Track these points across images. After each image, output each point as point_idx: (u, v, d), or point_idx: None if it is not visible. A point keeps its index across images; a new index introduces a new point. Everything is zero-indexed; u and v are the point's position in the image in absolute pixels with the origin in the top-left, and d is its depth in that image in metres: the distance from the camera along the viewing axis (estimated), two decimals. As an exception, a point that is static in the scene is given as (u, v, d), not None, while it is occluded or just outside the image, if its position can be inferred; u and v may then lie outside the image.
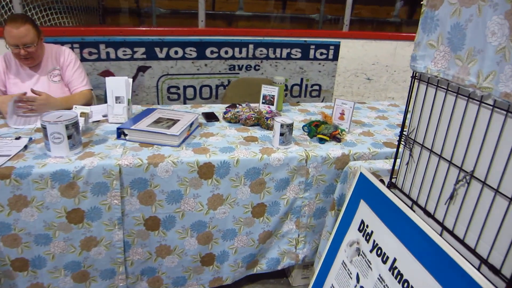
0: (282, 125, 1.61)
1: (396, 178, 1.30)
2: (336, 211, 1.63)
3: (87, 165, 1.42)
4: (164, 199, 1.54)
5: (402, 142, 1.22)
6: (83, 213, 1.47)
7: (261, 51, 3.07)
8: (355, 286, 1.31)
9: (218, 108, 2.15)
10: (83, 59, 2.64)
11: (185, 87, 3.02)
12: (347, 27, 3.26)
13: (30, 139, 1.60)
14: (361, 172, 1.44)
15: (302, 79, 3.26)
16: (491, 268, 0.92)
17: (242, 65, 3.09)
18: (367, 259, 1.28)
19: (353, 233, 1.40)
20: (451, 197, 1.03)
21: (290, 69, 3.20)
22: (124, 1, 4.38)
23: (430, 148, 1.11)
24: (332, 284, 1.44)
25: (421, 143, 1.15)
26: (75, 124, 1.46)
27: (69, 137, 1.45)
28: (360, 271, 1.30)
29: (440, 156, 1.07)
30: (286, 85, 3.24)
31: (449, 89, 1.02)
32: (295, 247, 1.77)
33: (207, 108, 2.16)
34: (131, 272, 1.64)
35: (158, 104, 3.00)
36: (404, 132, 1.22)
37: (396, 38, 3.38)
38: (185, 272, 1.69)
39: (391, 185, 1.31)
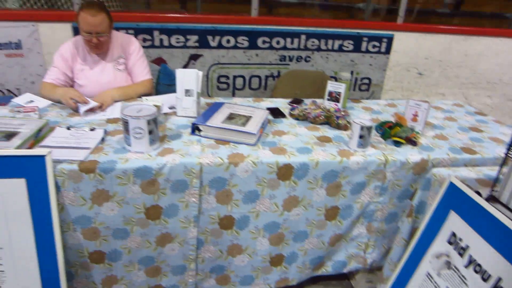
0: (362, 127, 1.55)
1: (497, 191, 1.24)
2: (414, 218, 1.58)
3: (169, 162, 1.40)
4: (240, 199, 1.51)
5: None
6: (161, 209, 1.46)
7: (312, 42, 2.99)
8: (444, 300, 1.27)
9: (280, 103, 2.10)
10: (137, 46, 2.61)
11: (234, 77, 2.97)
12: (402, 19, 3.13)
13: (105, 131, 1.58)
14: (450, 181, 1.38)
15: (352, 72, 3.17)
16: None
17: (293, 56, 3.01)
18: (461, 274, 1.24)
19: (440, 245, 1.35)
20: None
21: (341, 62, 3.11)
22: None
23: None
24: (413, 295, 1.40)
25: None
26: (156, 120, 1.44)
27: (150, 132, 1.42)
28: (452, 286, 1.26)
29: None
30: (335, 78, 3.16)
31: None
32: (364, 251, 1.74)
33: (269, 102, 2.10)
34: (201, 269, 1.63)
35: (208, 93, 2.96)
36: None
37: (452, 32, 3.23)
38: (253, 271, 1.68)
39: (491, 199, 1.24)
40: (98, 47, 1.91)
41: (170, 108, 1.86)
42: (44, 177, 1.31)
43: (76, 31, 2.48)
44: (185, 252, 1.57)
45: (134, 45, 2.06)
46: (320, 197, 1.57)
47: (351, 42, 3.05)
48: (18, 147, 1.37)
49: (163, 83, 2.78)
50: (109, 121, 1.72)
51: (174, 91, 2.87)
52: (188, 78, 1.73)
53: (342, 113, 1.85)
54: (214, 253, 1.60)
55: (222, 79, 2.95)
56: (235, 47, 2.85)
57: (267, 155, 1.49)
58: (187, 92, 1.75)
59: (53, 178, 1.31)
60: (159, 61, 2.73)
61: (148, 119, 1.40)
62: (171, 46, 2.72)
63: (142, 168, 1.37)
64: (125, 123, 1.40)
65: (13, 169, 1.30)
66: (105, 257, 1.51)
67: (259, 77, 3.03)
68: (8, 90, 2.58)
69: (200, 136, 1.60)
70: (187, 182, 1.43)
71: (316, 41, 2.99)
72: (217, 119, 1.64)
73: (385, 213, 1.68)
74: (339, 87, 2.00)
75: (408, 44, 3.17)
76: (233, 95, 3.04)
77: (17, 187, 1.31)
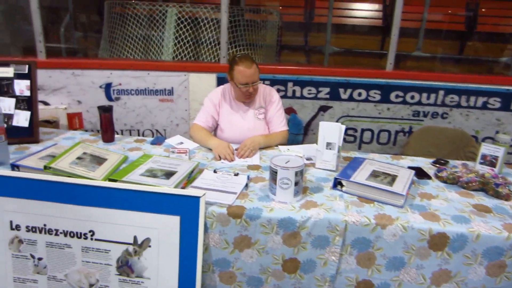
0: (537, 201, 1.33)
1: None
2: None
3: (313, 216, 1.37)
4: (384, 264, 1.39)
5: None
6: (299, 264, 1.42)
7: (451, 98, 2.79)
8: None
9: (422, 163, 1.95)
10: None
11: (362, 130, 2.90)
12: None
13: (248, 177, 1.64)
14: None
15: (497, 132, 2.84)
16: None
17: (428, 112, 2.84)
18: None
19: None
20: None
21: (484, 120, 2.83)
22: (294, 38, 4.55)
23: None
24: None
25: None
26: (302, 171, 1.44)
27: (296, 183, 1.42)
28: None
29: None
30: (476, 137, 2.87)
31: None
32: None
33: (409, 161, 1.97)
34: (331, 334, 1.52)
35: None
36: None
37: None
38: None
39: None
40: (252, 95, 2.04)
41: (307, 159, 1.86)
42: (196, 217, 1.38)
43: (219, 81, 2.72)
44: (316, 313, 1.49)
45: (274, 96, 2.16)
46: (477, 275, 1.37)
47: (498, 99, 2.77)
48: (176, 186, 1.49)
49: (291, 132, 2.84)
50: (250, 167, 1.78)
51: (300, 140, 2.93)
52: (331, 132, 1.73)
53: (501, 180, 1.63)
54: (347, 319, 1.49)
55: (350, 132, 2.91)
56: (366, 100, 2.81)
57: (418, 220, 1.37)
58: (328, 145, 1.74)
59: (204, 218, 1.38)
60: (289, 110, 2.82)
61: (296, 171, 1.40)
62: (302, 97, 2.80)
63: (287, 219, 1.36)
64: (273, 173, 1.43)
65: (170, 206, 1.41)
66: (237, 303, 1.51)
67: (388, 131, 2.91)
68: (157, 130, 2.90)
69: (342, 191, 1.55)
70: (329, 238, 1.38)
71: (456, 97, 2.79)
72: (361, 175, 1.57)
73: (562, 308, 1.38)
74: (497, 151, 1.79)
75: None
76: (359, 148, 2.96)
77: (172, 224, 1.40)
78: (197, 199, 1.38)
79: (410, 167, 1.84)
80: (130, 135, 2.89)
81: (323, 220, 1.36)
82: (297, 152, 1.72)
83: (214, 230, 1.41)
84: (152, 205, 1.42)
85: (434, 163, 1.93)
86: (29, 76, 2.09)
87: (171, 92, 2.79)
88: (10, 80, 2.07)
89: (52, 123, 2.65)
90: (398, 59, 4.12)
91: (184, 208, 1.40)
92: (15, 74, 2.07)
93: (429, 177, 1.76)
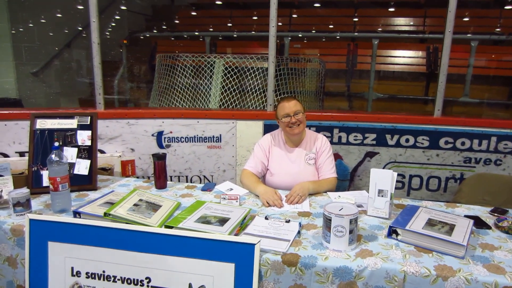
0: None
1: None
2: None
3: (370, 265, 1.34)
4: (447, 320, 1.32)
5: None
6: (356, 315, 1.38)
7: (505, 144, 2.70)
8: None
9: (478, 212, 1.87)
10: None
11: (411, 176, 2.84)
12: None
13: (300, 224, 1.64)
14: None
15: (558, 179, 2.69)
16: None
17: (480, 158, 2.75)
18: None
19: None
20: None
21: (543, 166, 2.69)
22: (336, 84, 4.63)
23: None
24: None
25: None
26: (357, 219, 1.43)
27: (350, 231, 1.41)
28: None
29: None
30: (534, 184, 2.72)
31: None
32: None
33: (465, 209, 1.90)
34: None
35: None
36: None
37: None
38: None
39: None
40: (296, 129, 2.10)
41: (358, 206, 1.84)
42: (251, 265, 1.39)
43: (266, 128, 2.80)
44: None
45: (325, 144, 2.21)
46: (554, 336, 1.26)
47: (556, 145, 2.65)
48: (230, 233, 1.51)
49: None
50: (300, 213, 1.79)
51: (346, 186, 2.90)
52: (383, 179, 1.71)
53: None
54: None
55: (398, 178, 2.84)
56: (414, 146, 2.77)
57: (482, 273, 1.30)
58: (380, 193, 1.72)
59: (259, 266, 1.38)
60: (335, 156, 2.82)
61: (351, 218, 1.40)
62: (348, 143, 2.81)
63: (342, 268, 1.34)
64: (327, 220, 1.43)
65: (225, 254, 1.42)
66: None
67: (438, 178, 2.83)
68: (204, 176, 2.99)
69: (397, 240, 1.52)
70: (387, 290, 1.34)
71: (510, 144, 2.69)
72: (416, 224, 1.54)
73: None
74: (561, 199, 1.69)
75: None
76: (408, 194, 2.89)
77: (226, 271, 1.42)
78: (252, 246, 1.40)
79: (466, 216, 1.77)
80: (179, 181, 2.99)
81: (381, 270, 1.33)
82: (348, 199, 1.71)
83: (268, 278, 1.41)
84: (208, 252, 1.44)
85: (492, 211, 1.84)
86: (91, 126, 2.24)
87: (219, 139, 2.90)
88: (73, 131, 2.23)
89: (107, 170, 2.81)
90: (445, 105, 4.08)
91: (239, 255, 1.41)
92: (78, 125, 2.23)
93: (488, 227, 1.68)
